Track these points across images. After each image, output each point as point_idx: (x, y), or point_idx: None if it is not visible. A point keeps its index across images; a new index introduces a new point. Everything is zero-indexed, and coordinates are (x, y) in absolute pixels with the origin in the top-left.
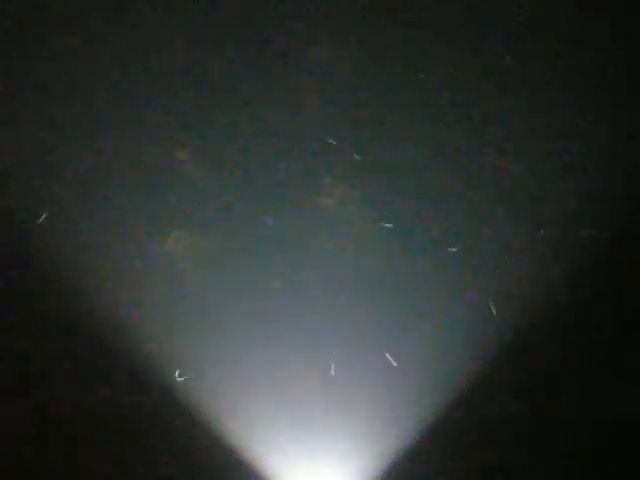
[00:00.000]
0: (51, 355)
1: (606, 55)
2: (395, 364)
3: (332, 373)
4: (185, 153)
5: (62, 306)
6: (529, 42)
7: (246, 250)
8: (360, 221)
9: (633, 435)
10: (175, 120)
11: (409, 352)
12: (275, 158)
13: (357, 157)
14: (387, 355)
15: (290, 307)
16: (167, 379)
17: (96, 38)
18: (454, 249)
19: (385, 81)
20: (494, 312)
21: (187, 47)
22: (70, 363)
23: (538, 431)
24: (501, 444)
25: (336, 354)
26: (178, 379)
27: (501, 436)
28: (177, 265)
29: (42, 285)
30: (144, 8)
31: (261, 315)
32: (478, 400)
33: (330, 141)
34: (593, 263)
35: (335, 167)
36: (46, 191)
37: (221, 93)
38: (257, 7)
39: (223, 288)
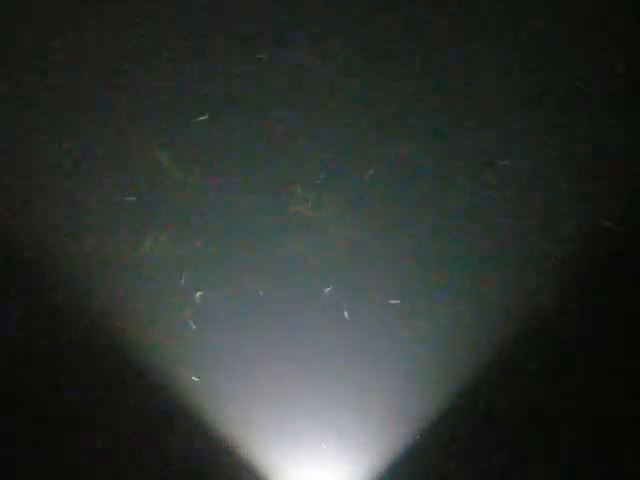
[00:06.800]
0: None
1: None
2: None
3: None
4: (164, 156)
5: (40, 306)
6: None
7: (224, 254)
8: (336, 225)
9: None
10: (156, 123)
11: (394, 355)
12: (255, 162)
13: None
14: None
15: (269, 310)
16: (141, 384)
17: (79, 39)
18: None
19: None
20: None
21: (171, 50)
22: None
23: (540, 431)
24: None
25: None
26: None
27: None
28: (154, 268)
29: (20, 286)
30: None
31: (239, 317)
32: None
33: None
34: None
35: (307, 173)
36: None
37: (205, 96)
38: (241, 8)
39: (201, 291)
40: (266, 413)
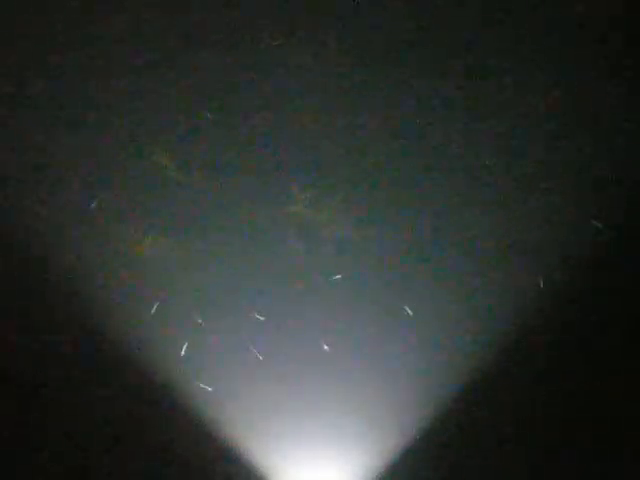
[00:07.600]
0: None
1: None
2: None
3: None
4: (164, 156)
5: (40, 306)
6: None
7: (223, 254)
8: (335, 225)
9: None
10: (156, 123)
11: (394, 356)
12: (255, 162)
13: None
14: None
15: (268, 309)
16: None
17: (76, 38)
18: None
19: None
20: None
21: (171, 50)
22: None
23: (540, 431)
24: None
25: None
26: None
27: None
28: (154, 268)
29: (20, 286)
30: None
31: (239, 317)
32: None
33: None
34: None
35: (307, 173)
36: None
37: (205, 96)
38: (241, 9)
39: (198, 291)
40: (266, 413)
